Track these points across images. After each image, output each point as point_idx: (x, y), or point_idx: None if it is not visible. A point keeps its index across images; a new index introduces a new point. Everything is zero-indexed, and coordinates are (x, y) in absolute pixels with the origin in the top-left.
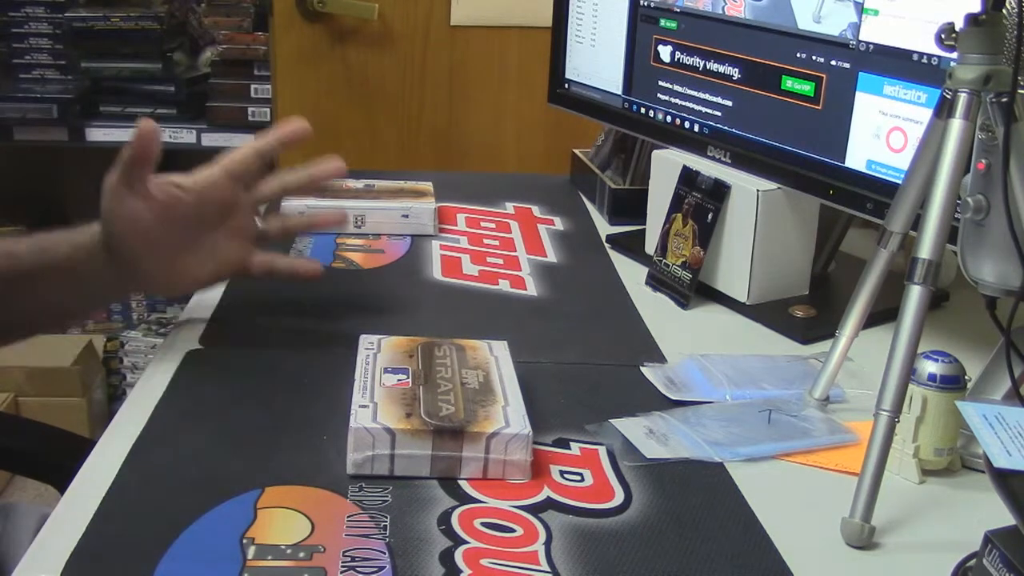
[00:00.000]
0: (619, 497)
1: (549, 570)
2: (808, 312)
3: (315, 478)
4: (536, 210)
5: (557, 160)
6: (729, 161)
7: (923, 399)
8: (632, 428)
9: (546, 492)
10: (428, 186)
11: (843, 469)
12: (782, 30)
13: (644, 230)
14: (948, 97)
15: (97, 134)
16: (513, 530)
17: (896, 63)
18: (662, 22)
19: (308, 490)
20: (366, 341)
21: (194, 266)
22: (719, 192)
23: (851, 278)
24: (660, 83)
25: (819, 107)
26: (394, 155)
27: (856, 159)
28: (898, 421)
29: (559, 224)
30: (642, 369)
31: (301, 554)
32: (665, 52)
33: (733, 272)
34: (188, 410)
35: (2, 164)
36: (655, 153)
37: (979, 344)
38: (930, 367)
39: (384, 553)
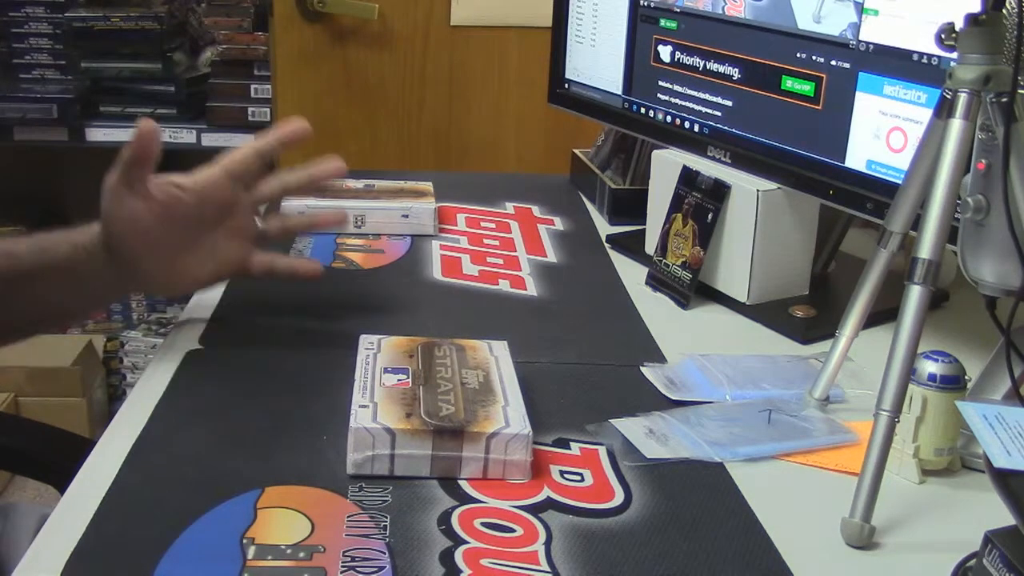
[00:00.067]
0: (619, 497)
1: (549, 570)
2: (808, 312)
3: (315, 478)
4: (536, 210)
5: (557, 160)
6: (729, 161)
7: (923, 399)
8: (632, 428)
9: (546, 492)
10: (428, 186)
11: (843, 469)
12: (782, 30)
13: (644, 230)
14: (948, 97)
15: (97, 134)
16: (513, 530)
17: (896, 63)
18: (662, 22)
19: (308, 490)
20: (366, 341)
21: (194, 266)
22: (719, 192)
23: (851, 278)
24: (660, 83)
25: (819, 107)
26: (394, 155)
27: (856, 159)
28: (898, 421)
29: (559, 224)
30: (642, 369)
31: (301, 554)
32: (665, 52)
33: (733, 272)
34: (188, 410)
35: (2, 164)
36: (655, 153)
37: (979, 344)
38: (930, 367)
39: (384, 553)
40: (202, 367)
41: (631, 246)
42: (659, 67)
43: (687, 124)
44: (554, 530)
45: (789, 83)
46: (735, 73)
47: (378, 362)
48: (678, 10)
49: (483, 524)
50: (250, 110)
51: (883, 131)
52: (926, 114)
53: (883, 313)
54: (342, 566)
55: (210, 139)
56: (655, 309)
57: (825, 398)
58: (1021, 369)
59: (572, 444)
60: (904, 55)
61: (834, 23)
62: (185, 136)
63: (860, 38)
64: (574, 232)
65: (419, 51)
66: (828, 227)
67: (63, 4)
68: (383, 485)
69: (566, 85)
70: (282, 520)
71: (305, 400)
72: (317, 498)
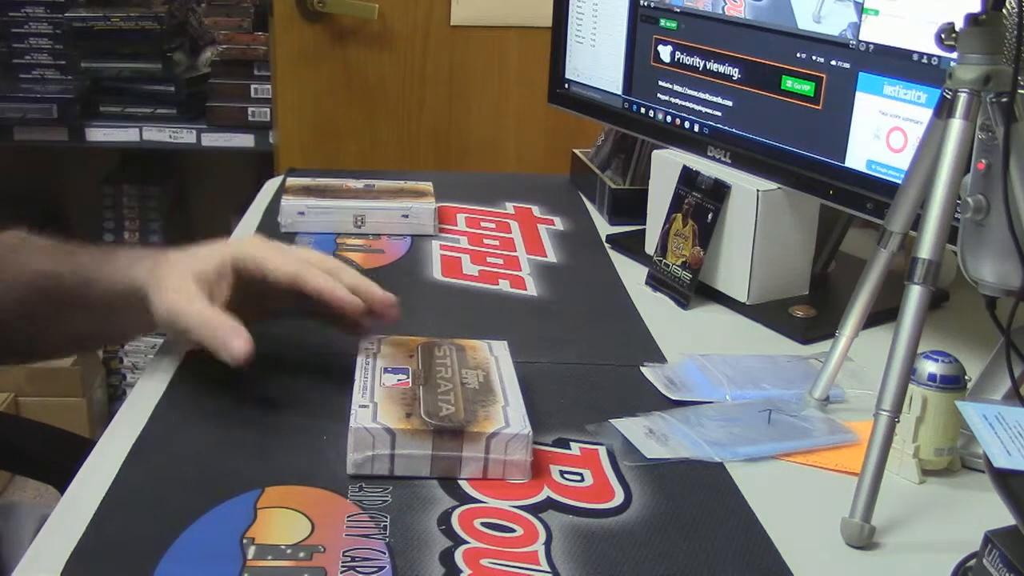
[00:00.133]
0: (619, 497)
1: (549, 570)
2: (808, 312)
3: (315, 478)
4: (536, 210)
5: (557, 160)
6: (729, 161)
7: (923, 399)
8: (632, 428)
9: (546, 492)
10: (428, 186)
11: (843, 469)
12: (782, 30)
13: (644, 230)
14: (948, 97)
15: (97, 134)
16: (513, 530)
17: (896, 63)
18: (662, 22)
19: (308, 490)
20: (366, 341)
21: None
22: (719, 192)
23: (851, 278)
24: (660, 83)
25: (819, 107)
26: (394, 155)
27: (856, 159)
28: (898, 421)
29: (559, 224)
30: (642, 369)
31: (301, 554)
32: (665, 52)
33: (733, 272)
34: (188, 410)
35: (2, 164)
36: (655, 153)
37: (979, 344)
38: (930, 367)
39: (384, 553)
40: (202, 367)
41: (631, 246)
42: (659, 67)
43: (687, 124)
44: (554, 530)
45: (789, 83)
46: (735, 73)
47: (378, 362)
48: (678, 10)
49: (483, 524)
50: (250, 110)
51: (883, 131)
52: (926, 114)
53: (883, 313)
54: (342, 566)
55: (210, 139)
56: (655, 309)
57: (825, 398)
58: (1021, 369)
59: (572, 444)
60: (904, 55)
61: (834, 23)
62: (185, 136)
63: (860, 38)
64: (574, 232)
65: (419, 51)
66: (828, 227)
67: (63, 4)
68: (383, 485)
69: (566, 85)
70: (282, 520)
71: (305, 400)
72: (317, 498)
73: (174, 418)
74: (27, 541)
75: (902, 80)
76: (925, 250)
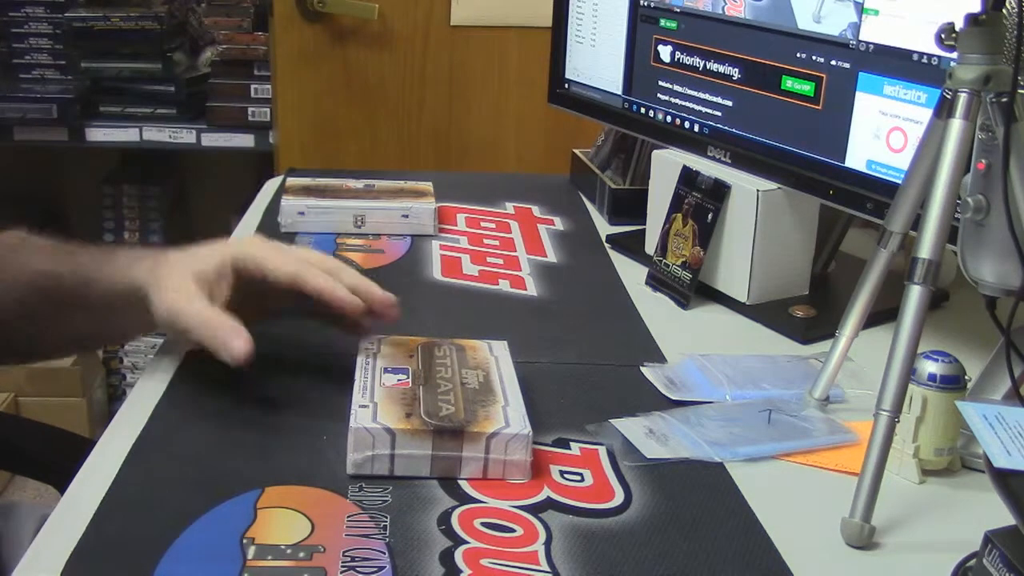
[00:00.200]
0: (619, 497)
1: (549, 570)
2: (808, 312)
3: (315, 478)
4: (536, 210)
5: (557, 160)
6: (729, 161)
7: (923, 399)
8: (632, 428)
9: (546, 492)
10: (428, 186)
11: (843, 469)
12: (782, 30)
13: (644, 230)
14: (948, 97)
15: (97, 134)
16: (513, 530)
17: (896, 63)
18: (662, 22)
19: (308, 490)
20: (366, 341)
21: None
22: (719, 192)
23: (851, 278)
24: (660, 83)
25: (819, 107)
26: (394, 155)
27: (856, 159)
28: (898, 421)
29: (559, 224)
30: (642, 369)
31: (301, 554)
32: (665, 52)
33: (733, 272)
34: (188, 410)
35: (2, 164)
36: (655, 153)
37: (979, 344)
38: (930, 367)
39: (384, 553)
40: (202, 367)
41: (631, 246)
42: (659, 67)
43: (687, 124)
44: (554, 530)
45: (789, 83)
46: (735, 73)
47: (378, 362)
48: (678, 10)
49: (483, 524)
50: (250, 110)
51: (883, 131)
52: (926, 114)
53: (883, 313)
54: (342, 566)
55: (210, 139)
56: (655, 309)
57: (825, 398)
58: (1021, 369)
59: (572, 444)
60: (904, 55)
61: (834, 23)
62: (185, 136)
63: (860, 38)
64: (574, 232)
65: (419, 51)
66: (828, 227)
67: (63, 4)
68: (383, 485)
69: (566, 85)
70: (282, 520)
71: (305, 400)
72: (317, 498)
73: (174, 418)
74: (27, 541)
75: (902, 80)
76: (925, 250)
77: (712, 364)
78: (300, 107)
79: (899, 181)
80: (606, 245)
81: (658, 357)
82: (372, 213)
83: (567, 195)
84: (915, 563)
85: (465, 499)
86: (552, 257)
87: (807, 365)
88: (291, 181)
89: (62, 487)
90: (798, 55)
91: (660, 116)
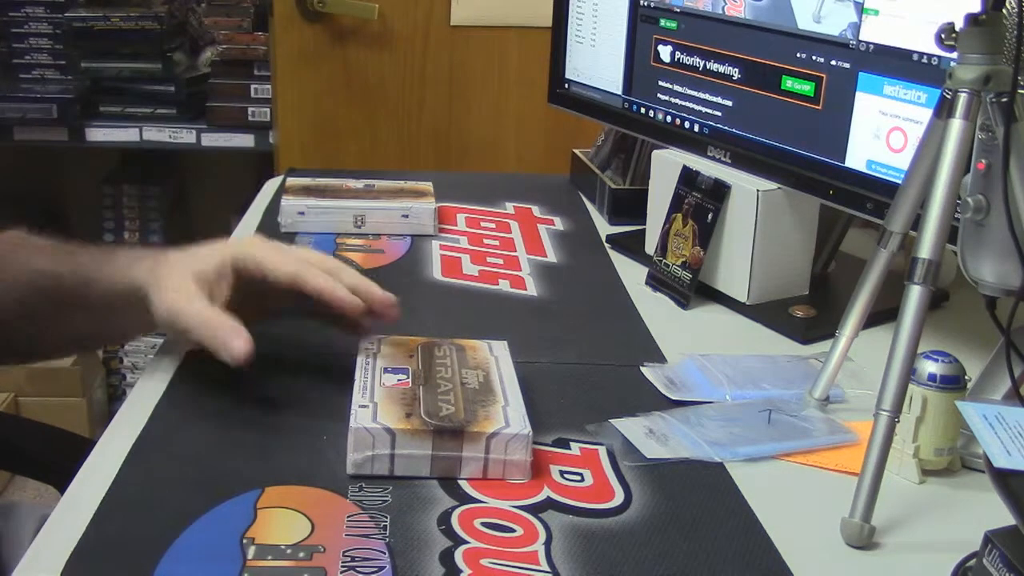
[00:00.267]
0: (619, 497)
1: (549, 570)
2: (808, 312)
3: (315, 478)
4: (536, 210)
5: (557, 160)
6: (729, 161)
7: (923, 399)
8: (632, 428)
9: (546, 492)
10: (428, 186)
11: (843, 469)
12: (782, 30)
13: (644, 230)
14: (948, 97)
15: (97, 134)
16: (513, 530)
17: (896, 63)
18: (662, 22)
19: (308, 490)
20: (366, 341)
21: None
22: (719, 192)
23: (851, 278)
24: (660, 83)
25: (819, 107)
26: (394, 155)
27: (856, 159)
28: (898, 421)
29: (559, 224)
30: (642, 369)
31: (301, 554)
32: (665, 52)
33: (733, 272)
34: (188, 410)
35: (2, 164)
36: (655, 153)
37: (979, 344)
38: (930, 367)
39: (384, 553)
40: (202, 367)
41: (631, 246)
42: (659, 67)
43: (687, 124)
44: (554, 530)
45: (789, 83)
46: (735, 73)
47: (378, 362)
48: (678, 10)
49: (483, 524)
50: (250, 110)
51: (883, 131)
52: (926, 114)
53: (883, 313)
54: (342, 566)
55: (210, 139)
56: (655, 309)
57: (825, 398)
58: (1021, 369)
59: (572, 444)
60: (904, 55)
61: (834, 23)
62: (185, 136)
63: (860, 38)
64: (574, 232)
65: (419, 51)
66: (828, 227)
67: (63, 4)
68: (383, 485)
69: (566, 85)
70: (282, 520)
71: (305, 400)
72: (317, 498)
73: (174, 418)
74: (27, 541)
75: (902, 80)
76: (925, 250)
77: (712, 364)
78: (300, 107)
79: (899, 181)
80: (606, 245)
81: (658, 357)
82: (372, 213)
83: (567, 195)
84: (915, 563)
85: (465, 499)
86: (552, 257)
87: (807, 365)
88: (291, 181)
89: (62, 487)
90: (798, 55)
91: (660, 116)
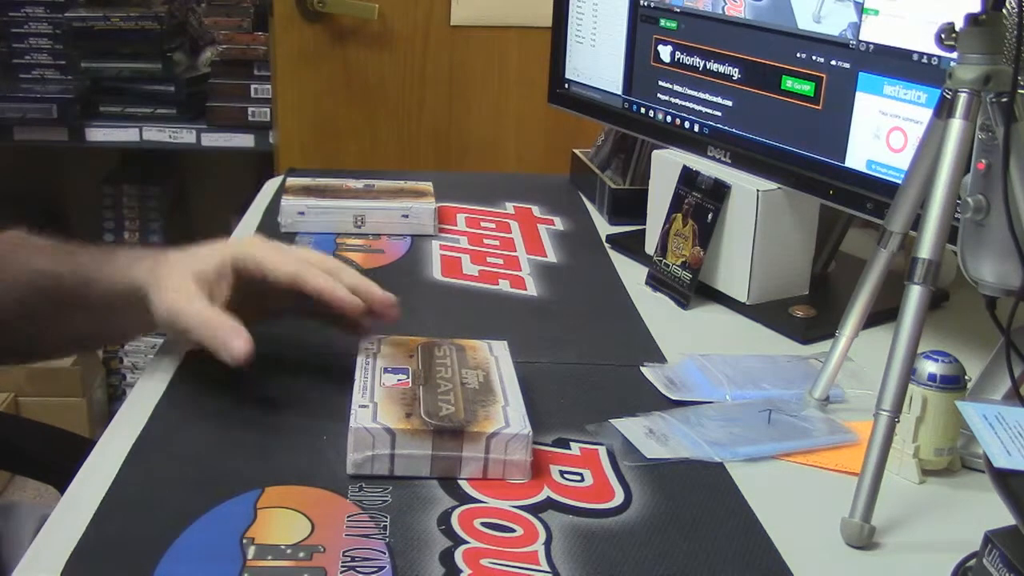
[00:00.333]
0: (619, 497)
1: (549, 570)
2: (808, 312)
3: (315, 478)
4: (536, 210)
5: (557, 160)
6: (729, 161)
7: (923, 399)
8: (632, 428)
9: (546, 492)
10: (428, 186)
11: (843, 469)
12: (782, 30)
13: (644, 230)
14: (948, 97)
15: (97, 134)
16: (513, 530)
17: (896, 63)
18: (662, 22)
19: (308, 490)
20: (366, 341)
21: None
22: (719, 192)
23: (851, 278)
24: (660, 83)
25: (819, 107)
26: (394, 155)
27: (856, 159)
28: (898, 421)
29: (559, 224)
30: (642, 369)
31: (301, 554)
32: (665, 52)
33: (733, 272)
34: (188, 410)
35: (2, 164)
36: (655, 153)
37: (979, 344)
38: (930, 367)
39: (384, 553)
40: (202, 367)
41: (631, 246)
42: (659, 67)
43: (687, 124)
44: (554, 530)
45: (789, 83)
46: (735, 73)
47: (378, 362)
48: (678, 10)
49: (483, 524)
50: (250, 110)
51: (883, 131)
52: (926, 114)
53: (883, 313)
54: (342, 566)
55: (210, 139)
56: (655, 309)
57: (825, 398)
58: (1021, 369)
59: (572, 444)
60: (904, 55)
61: (834, 23)
62: (185, 136)
63: (860, 38)
64: (574, 232)
65: (419, 51)
66: (828, 227)
67: (63, 4)
68: (383, 485)
69: (566, 85)
70: (282, 520)
71: (305, 400)
72: (317, 498)
73: (174, 418)
74: (27, 541)
75: (902, 80)
76: (925, 250)
77: (712, 364)
78: (300, 107)
79: (899, 181)
80: (606, 245)
81: (658, 357)
82: (372, 213)
83: (567, 195)
84: (915, 563)
85: (465, 499)
86: (552, 257)
87: (807, 365)
88: (291, 181)
89: (62, 487)
90: (798, 55)
91: (660, 116)
